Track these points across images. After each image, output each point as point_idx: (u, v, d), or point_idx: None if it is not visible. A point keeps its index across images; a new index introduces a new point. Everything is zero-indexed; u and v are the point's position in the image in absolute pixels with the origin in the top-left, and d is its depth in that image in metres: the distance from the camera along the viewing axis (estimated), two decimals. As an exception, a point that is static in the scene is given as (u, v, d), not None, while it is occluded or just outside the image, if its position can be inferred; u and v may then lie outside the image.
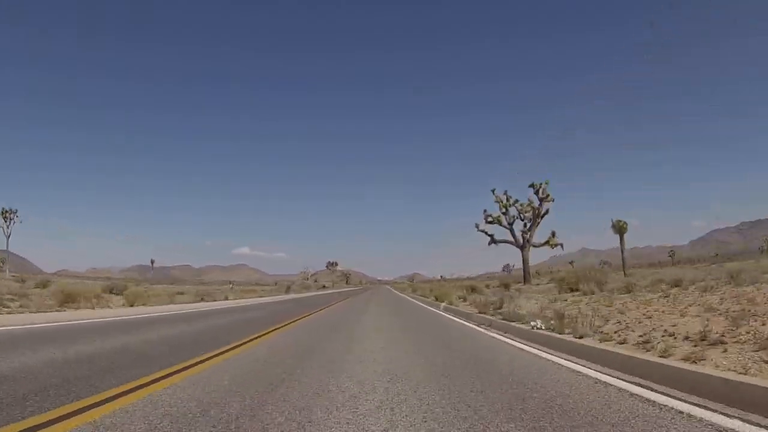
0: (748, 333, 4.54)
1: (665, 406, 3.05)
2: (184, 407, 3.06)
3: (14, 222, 61.27)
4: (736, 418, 2.74)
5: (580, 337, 5.67)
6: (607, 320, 6.82)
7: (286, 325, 9.83)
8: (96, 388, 3.52)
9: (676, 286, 11.34)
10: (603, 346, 4.97)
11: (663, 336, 5.06)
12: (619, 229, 32.94)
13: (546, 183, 32.67)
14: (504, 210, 33.73)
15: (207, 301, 21.46)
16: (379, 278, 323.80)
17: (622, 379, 3.85)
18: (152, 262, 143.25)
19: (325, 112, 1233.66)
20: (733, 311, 5.79)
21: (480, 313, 10.89)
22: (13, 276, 48.75)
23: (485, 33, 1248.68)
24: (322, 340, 7.24)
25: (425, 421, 2.79)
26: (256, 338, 7.19)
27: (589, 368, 4.37)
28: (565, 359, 4.93)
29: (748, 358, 3.71)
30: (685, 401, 3.12)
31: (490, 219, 34.07)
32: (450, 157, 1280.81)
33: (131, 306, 14.59)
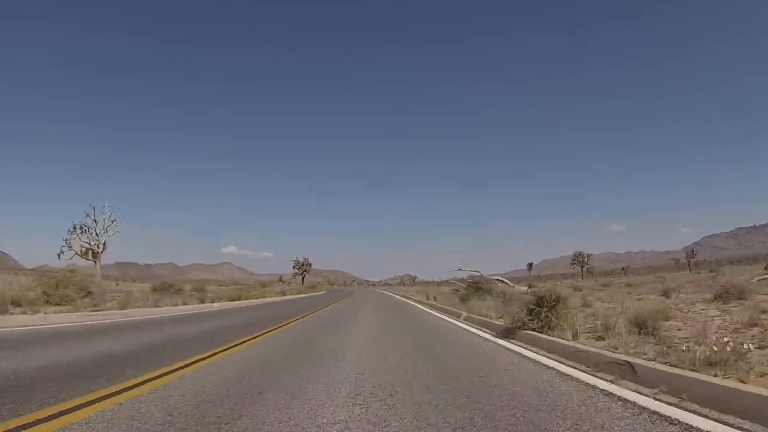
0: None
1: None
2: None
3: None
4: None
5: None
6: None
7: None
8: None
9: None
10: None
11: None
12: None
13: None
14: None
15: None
16: (367, 279, 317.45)
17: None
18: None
19: (325, 111, 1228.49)
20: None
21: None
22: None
23: (485, 33, 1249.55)
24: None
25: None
26: None
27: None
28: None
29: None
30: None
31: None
32: (450, 157, 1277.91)
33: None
